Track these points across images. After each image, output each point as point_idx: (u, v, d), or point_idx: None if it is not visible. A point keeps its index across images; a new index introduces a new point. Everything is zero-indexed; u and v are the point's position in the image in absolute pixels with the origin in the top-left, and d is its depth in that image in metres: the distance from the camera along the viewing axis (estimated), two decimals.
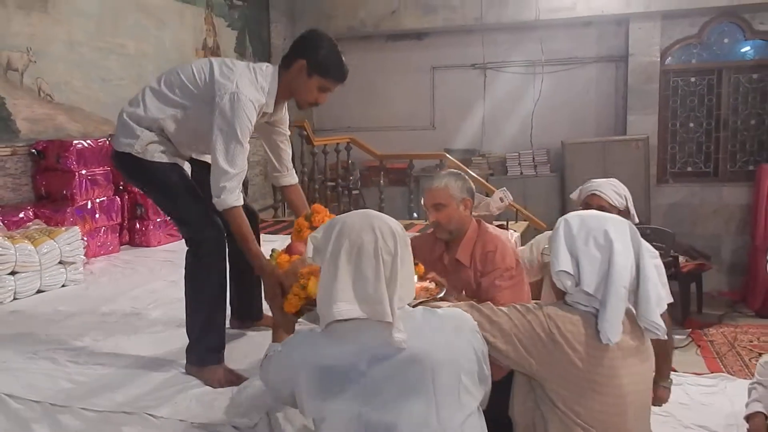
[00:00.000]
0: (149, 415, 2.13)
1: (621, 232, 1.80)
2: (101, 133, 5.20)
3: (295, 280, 2.22)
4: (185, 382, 2.42)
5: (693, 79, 8.21)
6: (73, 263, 3.97)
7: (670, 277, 5.72)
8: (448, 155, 7.09)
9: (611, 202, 2.79)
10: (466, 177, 2.78)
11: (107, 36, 5.58)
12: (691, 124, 8.30)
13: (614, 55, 8.27)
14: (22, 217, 4.25)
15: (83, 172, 4.63)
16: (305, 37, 2.59)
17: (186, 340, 2.54)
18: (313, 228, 2.70)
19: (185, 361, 2.54)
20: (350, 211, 1.88)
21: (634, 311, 1.83)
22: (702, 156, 8.32)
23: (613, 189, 2.83)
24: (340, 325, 1.65)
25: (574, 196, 3.07)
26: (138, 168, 2.57)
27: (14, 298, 3.65)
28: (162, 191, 2.65)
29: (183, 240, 2.59)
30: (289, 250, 2.60)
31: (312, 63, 2.50)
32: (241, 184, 2.46)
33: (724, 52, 8.10)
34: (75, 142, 4.62)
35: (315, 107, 2.80)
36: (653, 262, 1.86)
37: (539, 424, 1.85)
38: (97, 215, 4.71)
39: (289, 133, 2.90)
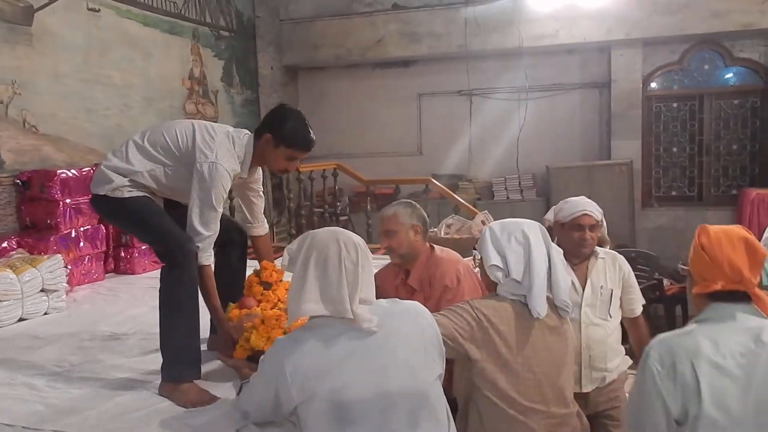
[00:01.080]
0: None
1: (534, 230, 2.20)
2: (87, 163, 5.26)
3: (242, 333, 2.58)
4: (158, 403, 2.44)
5: (675, 105, 8.35)
6: (55, 291, 3.99)
7: (655, 300, 5.79)
8: (433, 180, 7.16)
9: (597, 218, 2.90)
10: (418, 206, 2.98)
11: (93, 68, 5.67)
12: (675, 149, 8.42)
13: (597, 82, 8.40)
14: (6, 247, 4.27)
15: (67, 201, 4.67)
16: (273, 111, 2.83)
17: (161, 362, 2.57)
18: (262, 283, 3.02)
19: (160, 381, 2.56)
20: None
21: (551, 296, 2.20)
22: (686, 180, 8.43)
23: (595, 207, 2.94)
24: (312, 321, 1.92)
25: (549, 216, 3.15)
26: (113, 206, 2.72)
27: None
28: (137, 218, 2.73)
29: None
30: (240, 304, 2.89)
31: (277, 136, 2.72)
32: (212, 245, 2.67)
33: (705, 78, 8.26)
34: (59, 171, 4.67)
35: (286, 173, 3.06)
36: (559, 257, 2.23)
37: (472, 397, 2.19)
38: (81, 244, 4.74)
39: (262, 189, 3.11)
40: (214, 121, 7.51)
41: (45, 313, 3.94)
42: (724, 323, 1.71)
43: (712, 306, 1.75)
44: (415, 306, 2.06)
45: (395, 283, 2.96)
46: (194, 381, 2.52)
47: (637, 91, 8.14)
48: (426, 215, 2.98)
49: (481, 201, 8.21)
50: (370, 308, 1.90)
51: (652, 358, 1.70)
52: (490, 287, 2.29)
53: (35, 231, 4.66)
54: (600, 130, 8.46)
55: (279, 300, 2.94)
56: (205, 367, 2.68)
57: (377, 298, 2.79)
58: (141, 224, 2.77)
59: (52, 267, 3.98)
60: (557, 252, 2.23)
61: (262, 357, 1.99)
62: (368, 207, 7.17)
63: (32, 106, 5.04)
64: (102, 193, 2.69)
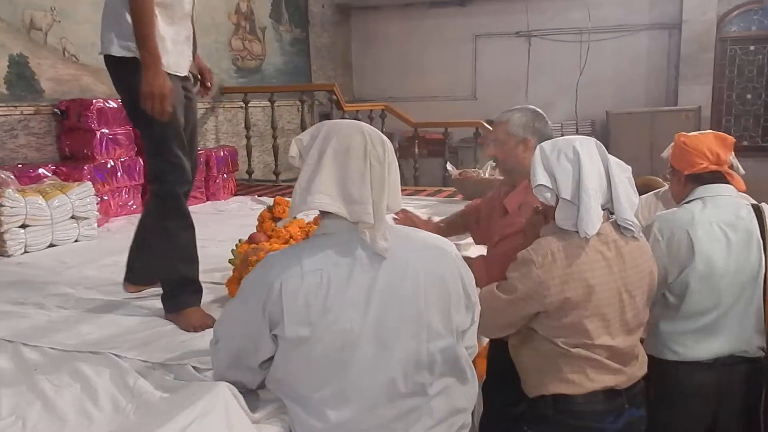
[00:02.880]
0: (114, 355, 2.06)
1: (587, 145, 1.94)
2: None
3: (247, 268, 2.38)
4: (162, 326, 2.35)
5: (752, 48, 7.75)
6: (85, 218, 3.95)
7: None
8: (485, 124, 6.84)
9: None
10: (543, 117, 2.46)
11: None
12: (749, 96, 7.85)
13: (667, 23, 7.86)
14: (40, 174, 4.24)
15: (104, 131, 4.61)
16: None
17: None
18: (275, 219, 2.83)
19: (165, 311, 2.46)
20: None
21: (613, 216, 1.99)
22: (759, 130, 7.87)
23: None
24: (318, 232, 1.60)
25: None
26: (132, 73, 2.27)
27: (25, 251, 3.65)
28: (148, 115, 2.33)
29: (159, 193, 2.45)
30: (251, 239, 2.77)
31: None
32: None
33: None
34: (95, 101, 4.60)
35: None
36: (625, 175, 1.97)
37: (527, 337, 2.05)
38: (119, 174, 4.70)
39: None
40: (261, 60, 7.41)
41: (75, 240, 3.91)
42: (711, 200, 2.24)
43: (700, 188, 2.27)
44: (442, 242, 1.68)
45: (496, 197, 2.57)
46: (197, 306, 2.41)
47: (710, 33, 7.57)
48: (551, 132, 2.47)
49: None
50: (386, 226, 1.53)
51: (655, 230, 2.24)
52: (546, 213, 2.03)
53: (72, 161, 4.64)
54: (668, 74, 7.94)
55: (291, 237, 2.80)
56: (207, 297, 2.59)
57: (472, 212, 2.59)
58: (149, 124, 2.33)
59: (82, 194, 3.93)
60: (620, 167, 1.96)
61: (245, 278, 1.64)
62: (416, 151, 6.94)
63: (72, 35, 4.97)
64: (119, 55, 2.29)
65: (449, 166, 5.01)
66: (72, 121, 4.67)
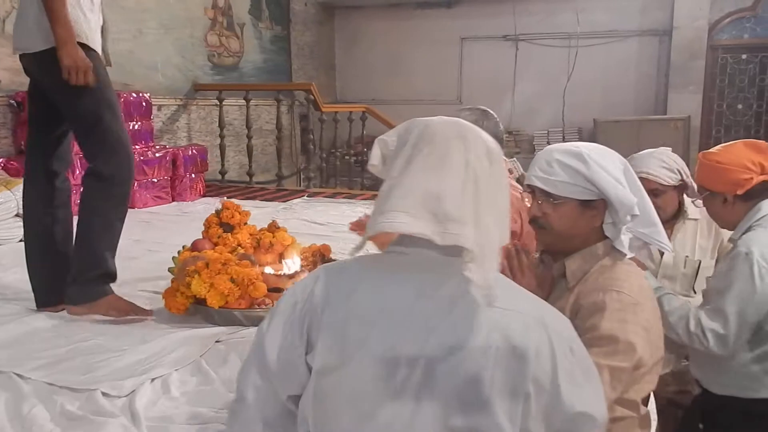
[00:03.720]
0: (17, 375, 1.82)
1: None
2: None
3: (183, 279, 2.22)
4: (80, 342, 2.12)
5: (744, 57, 7.58)
6: None
7: None
8: None
9: (663, 182, 2.28)
10: (493, 117, 2.33)
11: None
12: (740, 106, 7.69)
13: (658, 29, 7.68)
14: None
15: None
16: None
17: None
18: (222, 225, 2.63)
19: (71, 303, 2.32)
20: (369, 187, 1.37)
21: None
22: None
23: (663, 165, 2.29)
24: (392, 252, 1.17)
25: None
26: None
27: None
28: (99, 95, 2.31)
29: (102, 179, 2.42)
30: (194, 246, 2.58)
31: None
32: None
33: None
34: None
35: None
36: None
37: None
38: (77, 171, 4.44)
39: None
40: (239, 57, 7.17)
41: (20, 240, 3.64)
42: None
43: (765, 203, 2.00)
44: (548, 313, 1.15)
45: None
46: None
47: (701, 40, 7.39)
48: (502, 130, 2.38)
49: (522, 155, 7.66)
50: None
51: (757, 255, 1.91)
52: (592, 234, 1.60)
53: None
54: (657, 82, 7.76)
55: (239, 245, 2.57)
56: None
57: None
58: (97, 108, 2.30)
59: None
60: None
61: (294, 286, 1.24)
62: None
63: None
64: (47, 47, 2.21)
65: None
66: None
